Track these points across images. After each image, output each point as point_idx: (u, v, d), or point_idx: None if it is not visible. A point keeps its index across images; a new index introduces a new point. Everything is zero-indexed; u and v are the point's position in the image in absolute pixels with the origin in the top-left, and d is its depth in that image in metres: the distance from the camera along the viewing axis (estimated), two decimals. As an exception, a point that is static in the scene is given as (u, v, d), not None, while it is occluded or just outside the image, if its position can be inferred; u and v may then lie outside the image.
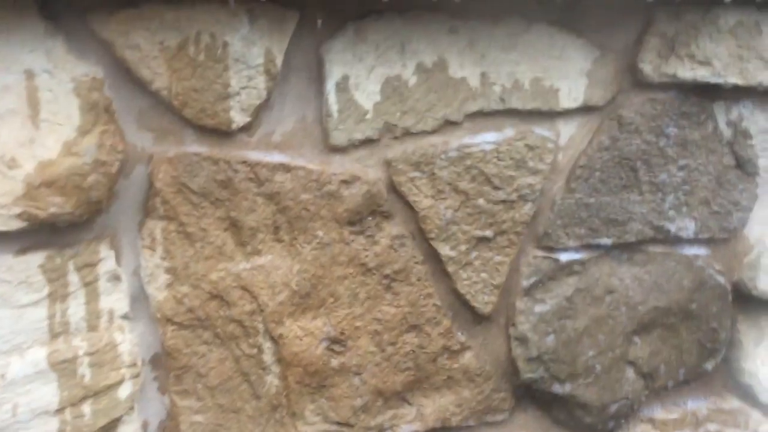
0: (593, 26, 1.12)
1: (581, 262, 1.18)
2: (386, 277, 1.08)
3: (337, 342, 1.06)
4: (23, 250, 0.90)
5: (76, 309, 0.95)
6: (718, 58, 1.15)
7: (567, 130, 1.15)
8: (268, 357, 1.04)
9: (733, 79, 1.16)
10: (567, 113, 1.14)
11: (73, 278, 0.94)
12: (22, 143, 0.87)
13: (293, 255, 1.02)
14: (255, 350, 1.03)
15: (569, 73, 1.12)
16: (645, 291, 1.22)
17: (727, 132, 1.23)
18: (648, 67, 1.15)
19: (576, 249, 1.18)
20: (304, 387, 1.06)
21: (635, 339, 1.23)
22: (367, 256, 1.06)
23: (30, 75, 0.87)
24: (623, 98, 1.17)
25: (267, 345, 1.04)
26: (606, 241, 1.18)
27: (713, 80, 1.15)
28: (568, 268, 1.17)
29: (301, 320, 1.04)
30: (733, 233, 1.26)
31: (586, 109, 1.15)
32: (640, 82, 1.16)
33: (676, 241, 1.23)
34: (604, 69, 1.14)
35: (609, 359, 1.21)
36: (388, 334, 1.09)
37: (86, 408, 0.96)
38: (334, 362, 1.07)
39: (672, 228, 1.21)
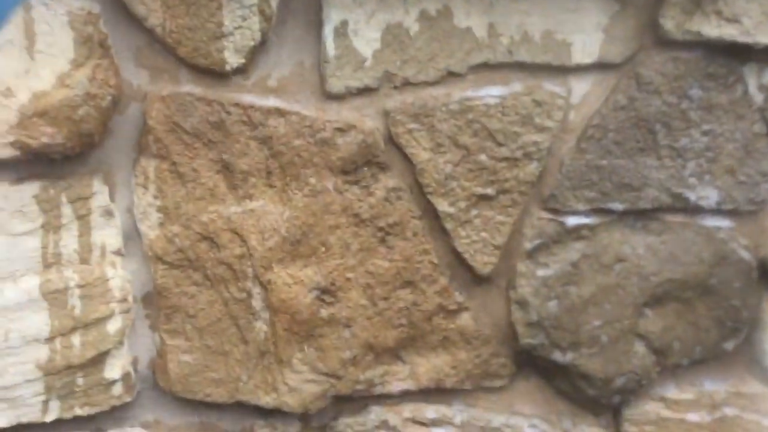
0: (613, -22, 1.07)
1: (590, 227, 1.13)
2: (380, 229, 1.06)
3: (326, 292, 1.06)
4: (19, 180, 0.93)
5: (68, 241, 0.97)
6: (748, 15, 1.08)
7: (580, 88, 1.10)
8: (257, 302, 1.04)
9: (765, 39, 1.08)
10: (580, 69, 1.09)
11: (66, 210, 0.96)
12: (17, 74, 0.90)
13: (284, 201, 1.02)
14: (244, 294, 1.04)
15: (584, 27, 1.07)
16: (659, 262, 1.16)
17: (758, 97, 1.15)
18: (670, 23, 1.08)
19: (585, 213, 1.13)
20: (292, 335, 1.06)
21: (647, 312, 1.18)
22: (361, 207, 1.05)
23: (27, 6, 0.89)
24: (643, 56, 1.11)
25: (256, 290, 1.04)
26: (618, 206, 1.13)
27: (742, 39, 1.08)
28: (575, 233, 1.13)
29: (290, 267, 1.04)
30: (761, 206, 1.18)
31: (601, 66, 1.09)
32: (661, 40, 1.10)
33: (696, 210, 1.16)
34: (622, 24, 1.08)
35: (616, 330, 1.16)
36: (381, 289, 1.08)
37: (75, 339, 0.99)
38: (324, 312, 1.06)
39: (692, 196, 1.15)
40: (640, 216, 1.15)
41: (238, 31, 0.96)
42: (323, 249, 1.05)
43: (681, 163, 1.14)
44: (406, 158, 1.06)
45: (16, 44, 0.89)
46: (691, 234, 1.17)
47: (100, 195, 0.98)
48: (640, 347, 1.19)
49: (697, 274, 1.17)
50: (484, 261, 1.11)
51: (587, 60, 1.08)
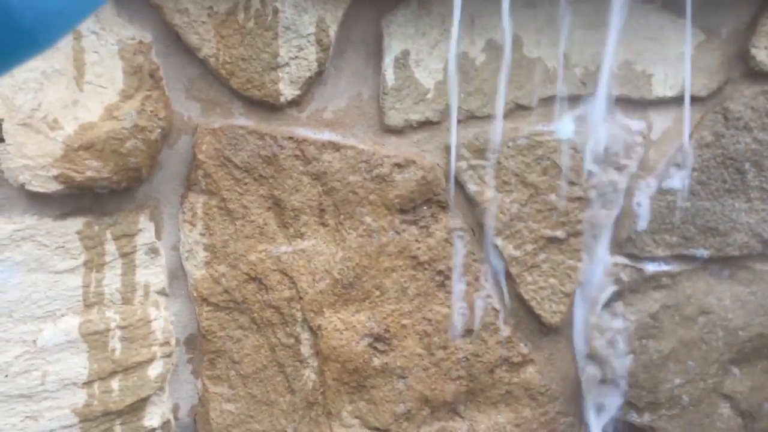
0: (697, 5, 0.99)
1: (671, 275, 1.04)
2: (440, 273, 1.00)
3: (380, 340, 0.99)
4: (63, 215, 0.90)
5: (111, 280, 0.93)
6: None
7: (660, 122, 1.02)
8: (305, 349, 0.98)
9: None
10: (661, 103, 1.01)
11: (110, 248, 0.93)
12: (65, 104, 0.87)
13: (338, 241, 0.97)
14: (292, 340, 0.98)
15: (666, 58, 1.00)
16: (748, 314, 1.06)
17: None
18: (763, 54, 1.00)
19: (665, 259, 1.05)
20: (342, 385, 0.99)
21: (733, 369, 1.07)
22: (419, 248, 0.99)
23: (78, 36, 0.87)
24: (731, 89, 1.03)
25: (305, 336, 0.98)
26: (702, 252, 1.04)
27: None
28: (654, 281, 1.04)
29: (342, 312, 0.98)
30: None
31: (683, 100, 1.01)
32: (752, 72, 1.02)
33: (791, 259, 1.07)
34: (708, 55, 1.00)
35: (699, 390, 1.06)
36: (439, 337, 1.01)
37: (114, 384, 0.95)
38: (377, 361, 1.00)
39: (786, 243, 1.05)
40: (726, 263, 1.06)
41: (294, 61, 0.92)
42: (377, 293, 0.99)
43: (773, 207, 1.04)
44: (469, 197, 0.99)
45: (64, 74, 0.87)
46: (784, 285, 1.07)
47: (146, 232, 0.94)
48: (725, 409, 1.08)
49: (792, 329, 1.07)
50: (552, 310, 1.03)
51: (669, 93, 1.01)
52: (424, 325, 1.00)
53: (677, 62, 1.00)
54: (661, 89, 1.01)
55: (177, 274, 0.98)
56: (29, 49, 0.31)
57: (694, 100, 1.02)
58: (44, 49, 0.31)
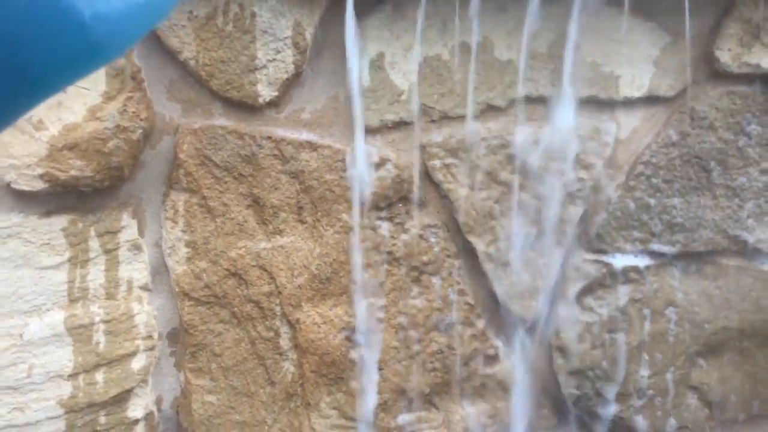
0: (664, 9, 1.04)
1: (638, 270, 1.09)
2: (414, 268, 1.04)
3: (357, 333, 1.04)
4: (48, 213, 0.95)
5: (95, 275, 0.98)
6: (812, 46, 1.04)
7: (628, 122, 1.07)
8: (284, 342, 1.03)
9: (831, 71, 1.04)
10: (629, 103, 1.06)
11: (94, 244, 0.97)
12: (50, 106, 0.91)
13: (315, 237, 1.01)
14: (272, 333, 1.03)
15: (633, 60, 1.05)
16: (714, 308, 1.11)
17: (823, 133, 1.10)
18: (726, 55, 1.05)
19: (633, 255, 1.09)
20: (320, 377, 1.04)
21: (700, 362, 1.12)
22: (394, 244, 1.03)
23: (61, 39, 0.91)
24: (697, 90, 1.07)
25: (284, 329, 1.03)
26: (669, 248, 1.09)
27: (805, 72, 1.04)
28: (622, 276, 1.09)
29: (320, 306, 1.02)
30: (827, 250, 1.13)
31: (651, 100, 1.06)
32: (716, 73, 1.06)
33: (755, 254, 1.11)
34: (675, 57, 1.05)
35: (667, 381, 1.11)
36: (414, 330, 1.06)
37: (99, 376, 0.99)
38: (354, 354, 1.04)
39: (750, 239, 1.10)
40: (693, 259, 1.11)
41: (272, 63, 0.96)
42: (354, 287, 1.03)
43: (738, 203, 1.09)
44: (443, 195, 1.04)
45: (49, 77, 0.91)
46: (748, 279, 1.11)
47: (128, 229, 0.99)
48: (692, 400, 1.13)
49: (755, 322, 1.12)
50: (524, 304, 1.08)
51: (636, 93, 1.06)
52: (400, 318, 1.05)
53: (644, 64, 1.05)
54: (629, 90, 1.05)
55: (159, 270, 1.02)
56: (98, 62, 0.33)
57: (661, 100, 1.07)
58: (112, 60, 0.34)
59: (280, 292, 1.01)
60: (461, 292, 1.06)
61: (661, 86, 1.06)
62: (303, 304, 1.02)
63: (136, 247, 0.99)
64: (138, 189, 1.00)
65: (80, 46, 0.31)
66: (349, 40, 0.93)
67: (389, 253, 1.03)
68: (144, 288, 1.01)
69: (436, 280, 1.05)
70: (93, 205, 0.97)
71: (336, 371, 1.04)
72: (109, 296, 0.99)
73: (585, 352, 1.09)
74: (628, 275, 1.09)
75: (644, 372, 1.10)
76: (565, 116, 1.05)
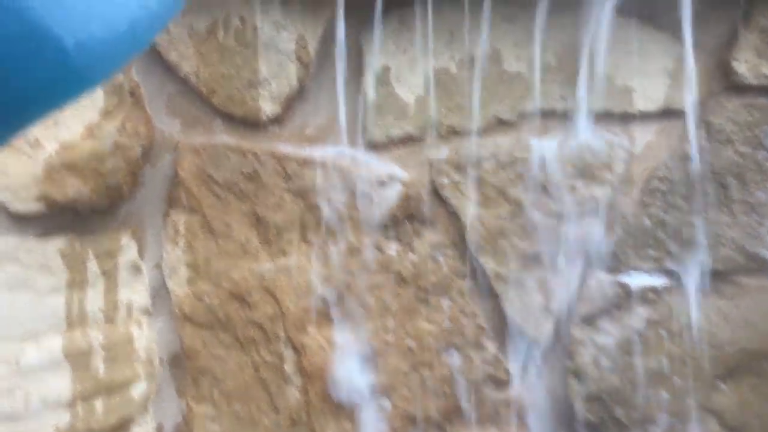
0: (678, 19, 1.01)
1: (655, 290, 1.06)
2: (423, 289, 1.01)
3: (364, 357, 1.01)
4: (44, 234, 0.92)
5: (93, 298, 0.95)
6: (832, 57, 1.01)
7: (643, 137, 1.04)
8: (289, 367, 1.00)
9: None
10: (643, 117, 1.04)
11: (93, 266, 0.95)
12: (46, 125, 0.89)
13: (320, 258, 0.99)
14: (276, 358, 1.00)
15: (647, 72, 1.02)
16: (733, 329, 1.07)
17: None
18: (743, 67, 1.02)
19: (649, 274, 1.06)
20: (326, 404, 1.01)
21: (720, 385, 1.09)
22: (402, 264, 1.00)
23: (59, 56, 0.89)
24: (713, 103, 1.05)
25: (288, 354, 1.00)
26: (686, 267, 1.06)
27: (826, 83, 1.01)
28: (639, 296, 1.06)
29: (325, 330, 0.99)
30: None
31: (666, 114, 1.04)
32: (734, 85, 1.04)
33: (776, 272, 1.08)
34: (689, 68, 1.03)
35: (686, 406, 1.08)
36: (424, 354, 1.02)
37: (98, 403, 0.96)
38: (361, 379, 1.01)
39: (771, 256, 1.07)
40: (711, 278, 1.07)
41: (275, 78, 0.94)
42: (361, 310, 1.00)
43: (757, 220, 1.06)
44: (452, 212, 1.01)
45: (46, 94, 0.89)
46: (770, 298, 1.08)
47: (128, 250, 0.96)
48: (713, 425, 1.09)
49: (779, 343, 1.08)
50: (537, 326, 1.04)
51: (651, 107, 1.03)
52: (408, 341, 1.02)
53: (658, 76, 1.03)
54: (643, 103, 1.03)
55: (160, 292, 1.00)
56: (82, 89, 0.33)
57: (676, 113, 1.04)
58: (95, 88, 0.35)
59: (284, 315, 0.99)
60: (472, 314, 1.03)
61: (676, 99, 1.03)
62: (308, 327, 0.99)
63: (136, 269, 0.97)
64: (138, 208, 0.97)
65: (63, 73, 0.31)
66: (339, 52, 0.91)
67: (397, 273, 1.01)
68: (144, 311, 0.98)
69: (445, 302, 1.02)
70: (91, 226, 0.94)
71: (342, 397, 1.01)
72: (109, 320, 0.96)
73: (601, 376, 1.06)
74: (645, 296, 1.06)
75: (663, 397, 1.07)
76: (578, 130, 1.02)
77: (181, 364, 1.01)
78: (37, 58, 0.30)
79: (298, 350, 0.99)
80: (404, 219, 1.00)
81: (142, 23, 0.34)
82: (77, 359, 0.95)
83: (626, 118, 1.03)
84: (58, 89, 0.32)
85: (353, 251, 0.99)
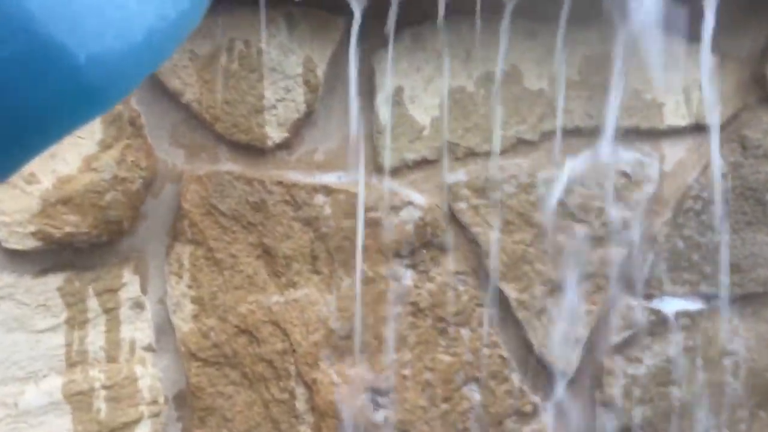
0: (708, 29, 0.95)
1: (690, 315, 1.00)
2: (441, 320, 0.96)
3: (380, 392, 0.96)
4: (42, 272, 0.88)
5: (95, 337, 0.91)
6: None
7: (673, 153, 0.99)
8: (300, 404, 0.95)
9: None
10: (673, 133, 0.98)
11: (93, 304, 0.91)
12: (42, 158, 0.85)
13: (332, 290, 0.94)
14: (286, 395, 0.95)
15: (677, 85, 0.96)
16: (775, 356, 1.01)
17: None
18: (781, 76, 0.96)
19: (683, 299, 1.00)
20: (340, 442, 0.96)
21: (761, 414, 1.03)
22: (419, 294, 0.95)
23: (53, 85, 0.85)
24: (749, 116, 0.99)
25: (300, 390, 0.95)
26: (723, 290, 1.00)
27: None
28: (672, 322, 1.00)
29: (338, 365, 0.95)
30: None
31: (698, 129, 0.98)
32: (770, 96, 0.98)
33: (820, 295, 1.02)
34: (722, 80, 0.97)
35: (725, 438, 1.02)
36: (443, 387, 0.97)
37: (101, 446, 0.92)
38: (377, 416, 0.96)
39: (814, 278, 1.00)
40: (749, 301, 1.01)
41: (281, 103, 0.90)
42: (376, 343, 0.95)
43: (798, 239, 1.00)
44: (471, 238, 0.96)
45: (41, 125, 0.85)
46: (813, 322, 1.02)
47: (130, 286, 0.92)
48: (754, 457, 1.04)
49: (823, 370, 1.02)
50: (563, 356, 0.99)
51: (681, 122, 0.97)
52: (427, 375, 0.97)
53: (689, 89, 0.97)
54: (673, 118, 0.97)
55: (164, 328, 0.95)
56: (98, 108, 0.32)
57: (708, 129, 0.98)
58: (112, 106, 0.33)
59: (294, 350, 0.94)
60: (493, 344, 0.98)
61: (707, 113, 0.97)
62: (320, 362, 0.94)
63: (139, 305, 0.93)
64: (140, 242, 0.93)
65: (75, 90, 0.29)
66: (352, 73, 0.86)
67: (413, 303, 0.96)
68: (148, 349, 0.94)
69: (465, 332, 0.97)
70: (91, 262, 0.90)
71: (358, 435, 0.97)
72: (110, 359, 0.92)
73: (632, 407, 1.00)
74: (678, 321, 1.00)
75: (700, 429, 1.01)
76: (605, 149, 0.97)
77: (187, 403, 0.97)
78: (46, 75, 0.28)
79: (309, 386, 0.95)
80: (421, 246, 0.95)
81: (160, 34, 0.31)
82: (78, 400, 0.91)
83: (656, 134, 0.97)
84: (71, 108, 0.30)
85: (367, 281, 0.94)
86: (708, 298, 1.00)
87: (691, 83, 0.96)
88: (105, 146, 0.86)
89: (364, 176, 0.91)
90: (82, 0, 0.28)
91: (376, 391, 0.96)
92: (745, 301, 1.01)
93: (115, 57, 0.30)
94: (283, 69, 0.88)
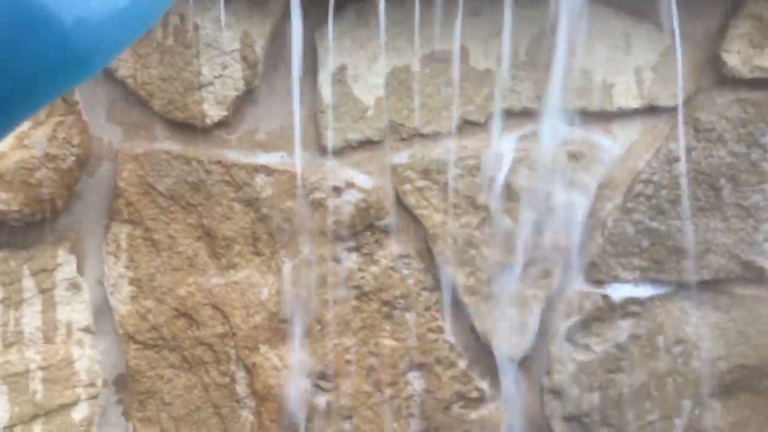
0: (664, 8, 0.94)
1: (640, 302, 0.99)
2: (386, 303, 0.96)
3: (322, 377, 0.96)
4: (-24, 251, 0.88)
5: (30, 318, 0.91)
6: (833, 46, 0.93)
7: (625, 136, 0.98)
8: (241, 388, 0.95)
9: None
10: (625, 115, 0.97)
11: (28, 283, 0.90)
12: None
13: (273, 272, 0.93)
14: (227, 379, 0.95)
15: (629, 66, 0.95)
16: (728, 344, 1.01)
17: None
18: (735, 58, 0.95)
19: (634, 284, 1.00)
20: (281, 427, 0.96)
21: (713, 404, 1.02)
22: (363, 277, 0.95)
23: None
24: (702, 98, 0.98)
25: (240, 374, 0.95)
26: (674, 276, 0.99)
27: (826, 75, 0.93)
28: (622, 308, 0.99)
29: (279, 348, 0.94)
30: None
31: (650, 111, 0.97)
32: (725, 79, 0.96)
33: (774, 282, 1.01)
34: (676, 61, 0.96)
35: (675, 427, 1.01)
36: (387, 372, 0.97)
37: (37, 428, 0.92)
38: (319, 401, 0.96)
39: (767, 265, 0.99)
40: (702, 288, 1.00)
41: (218, 80, 0.89)
42: (318, 327, 0.95)
43: (753, 225, 0.99)
44: (416, 221, 0.96)
45: (-29, 101, 0.84)
46: (767, 310, 1.01)
47: (66, 266, 0.92)
48: (706, 446, 1.03)
49: (777, 358, 1.01)
50: (510, 341, 0.98)
51: (633, 104, 0.96)
52: (371, 360, 0.96)
53: (642, 71, 0.96)
54: (624, 100, 0.96)
55: (103, 309, 0.95)
56: (83, 72, 0.32)
57: (662, 110, 0.97)
58: (97, 71, 0.33)
59: (234, 334, 0.94)
60: (439, 329, 0.97)
61: (661, 95, 0.96)
62: (260, 346, 0.94)
63: (75, 286, 0.92)
64: (76, 221, 0.93)
65: (63, 53, 0.30)
66: (295, 49, 0.85)
67: (357, 287, 0.95)
68: (85, 330, 0.94)
69: (410, 317, 0.97)
70: (26, 241, 0.90)
71: (298, 420, 0.96)
72: (47, 340, 0.92)
73: (581, 394, 0.99)
74: (628, 308, 0.99)
75: (650, 417, 1.00)
76: (553, 131, 0.96)
77: (127, 386, 0.97)
78: (31, 39, 0.29)
79: (250, 370, 0.94)
80: (364, 228, 0.94)
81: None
82: (14, 381, 0.91)
83: (606, 116, 0.96)
84: (57, 72, 0.31)
85: (309, 264, 0.94)
86: (658, 284, 1.00)
87: (642, 64, 0.95)
88: (37, 123, 0.85)
89: (301, 156, 0.90)
90: None
91: (318, 376, 0.96)
92: (698, 288, 1.01)
93: (100, 21, 0.30)
94: (219, 44, 0.87)
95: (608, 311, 0.99)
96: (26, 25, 0.28)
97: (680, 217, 0.98)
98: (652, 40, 0.95)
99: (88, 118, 0.89)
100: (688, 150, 0.97)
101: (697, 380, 1.01)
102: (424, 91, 0.93)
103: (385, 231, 0.95)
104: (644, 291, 0.99)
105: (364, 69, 0.92)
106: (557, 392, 1.00)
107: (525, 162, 0.95)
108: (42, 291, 0.91)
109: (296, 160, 0.89)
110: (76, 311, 0.93)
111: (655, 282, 1.00)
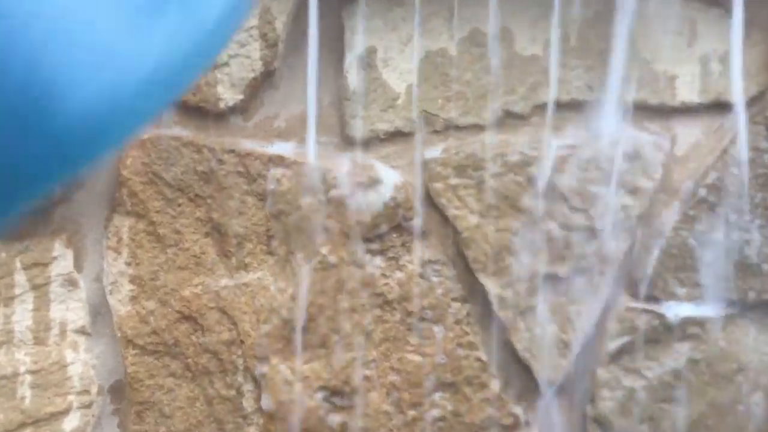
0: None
1: (700, 323, 0.90)
2: (411, 314, 0.88)
3: (338, 394, 0.89)
4: (-34, 241, 0.82)
5: (21, 315, 0.85)
6: None
7: (687, 135, 0.89)
8: (248, 402, 0.88)
9: None
10: (687, 110, 0.88)
11: (20, 278, 0.85)
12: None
13: (288, 274, 0.86)
14: (233, 392, 0.88)
15: (694, 56, 0.87)
16: (799, 373, 0.91)
17: None
18: (817, 50, 0.86)
19: (694, 303, 0.91)
20: (291, 448, 0.88)
21: (780, 442, 0.92)
22: (386, 284, 0.87)
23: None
24: (777, 94, 0.89)
25: (248, 387, 0.88)
26: (740, 296, 0.90)
27: None
28: (679, 330, 0.90)
29: (291, 360, 0.87)
30: None
31: (717, 107, 0.88)
32: (803, 73, 0.88)
33: None
34: (747, 53, 0.87)
35: (736, 466, 0.92)
36: (410, 392, 0.89)
37: (24, 437, 0.85)
38: (333, 420, 0.89)
39: None
40: (771, 310, 0.92)
41: (234, 60, 0.83)
42: (335, 337, 0.88)
43: (832, 239, 0.90)
44: (448, 223, 0.88)
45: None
46: None
47: (62, 260, 0.86)
48: (770, 490, 0.93)
49: None
50: (551, 363, 0.90)
51: (697, 99, 0.88)
52: (393, 376, 0.89)
53: (708, 62, 0.87)
54: (688, 94, 0.87)
55: (101, 309, 0.89)
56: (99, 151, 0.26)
57: (729, 108, 0.88)
58: (113, 150, 0.27)
59: (242, 341, 0.87)
60: (470, 345, 0.89)
61: (729, 90, 0.87)
62: (271, 356, 0.87)
63: (71, 283, 0.86)
64: (76, 212, 0.87)
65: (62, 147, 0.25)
66: (312, 28, 0.78)
67: (380, 295, 0.87)
68: (81, 332, 0.88)
69: (438, 330, 0.89)
70: (20, 232, 0.84)
71: (311, 440, 0.88)
72: (38, 341, 0.86)
73: (629, 425, 0.91)
74: (686, 330, 0.90)
75: (706, 454, 0.91)
76: (607, 127, 0.87)
77: (124, 395, 0.90)
78: (31, 128, 0.23)
79: (258, 383, 0.87)
80: (390, 230, 0.87)
81: (170, 67, 0.26)
82: (1, 386, 0.85)
83: (667, 111, 0.88)
84: (62, 160, 0.25)
85: (328, 267, 0.86)
86: (722, 304, 0.91)
87: (708, 54, 0.86)
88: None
89: (314, 148, 0.83)
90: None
91: (333, 392, 0.88)
92: (765, 309, 0.91)
93: (115, 97, 0.25)
94: (237, 21, 0.81)
95: (663, 332, 0.90)
96: (19, 105, 0.23)
97: (748, 229, 0.89)
98: (722, 28, 0.86)
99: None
100: (759, 152, 0.88)
101: (761, 414, 0.92)
102: (461, 78, 0.86)
103: (413, 233, 0.87)
104: (705, 311, 0.91)
105: (395, 52, 0.85)
106: (602, 422, 0.91)
107: (572, 160, 0.87)
108: (35, 287, 0.85)
109: (308, 150, 0.82)
110: (71, 310, 0.87)
111: (717, 301, 0.91)
